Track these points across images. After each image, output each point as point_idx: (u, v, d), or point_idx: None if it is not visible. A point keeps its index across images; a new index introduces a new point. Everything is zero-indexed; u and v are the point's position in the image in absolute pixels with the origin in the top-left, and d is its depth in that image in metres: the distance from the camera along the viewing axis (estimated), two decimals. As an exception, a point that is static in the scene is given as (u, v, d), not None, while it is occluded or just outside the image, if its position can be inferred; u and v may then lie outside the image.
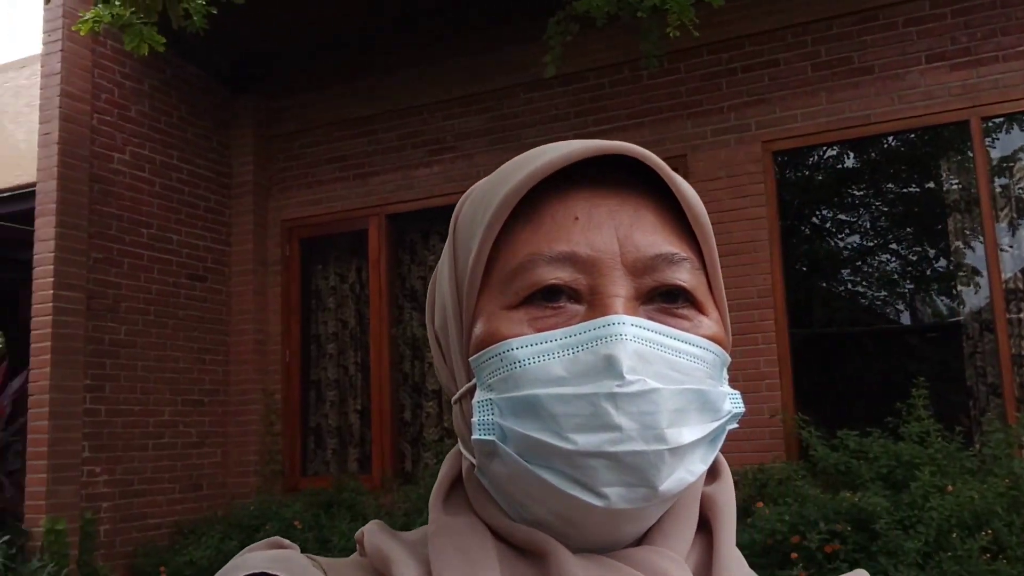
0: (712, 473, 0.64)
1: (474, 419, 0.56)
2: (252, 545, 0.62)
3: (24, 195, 6.35)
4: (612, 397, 0.52)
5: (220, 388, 6.73)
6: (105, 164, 6.11)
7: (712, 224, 0.61)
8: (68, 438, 5.58)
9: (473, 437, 0.56)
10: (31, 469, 5.52)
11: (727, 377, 0.61)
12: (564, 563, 0.55)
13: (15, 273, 5.85)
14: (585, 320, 0.55)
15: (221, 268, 6.86)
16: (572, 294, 0.57)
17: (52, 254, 5.65)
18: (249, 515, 5.91)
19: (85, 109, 5.99)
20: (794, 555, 4.33)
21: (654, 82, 5.84)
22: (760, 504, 4.69)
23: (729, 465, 0.65)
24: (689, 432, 0.55)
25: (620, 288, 0.56)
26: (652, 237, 0.58)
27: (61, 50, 5.89)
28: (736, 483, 1.22)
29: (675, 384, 0.55)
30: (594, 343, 0.54)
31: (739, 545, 0.63)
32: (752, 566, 0.63)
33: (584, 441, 0.52)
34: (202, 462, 6.54)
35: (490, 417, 0.56)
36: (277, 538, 0.63)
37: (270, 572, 0.56)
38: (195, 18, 4.78)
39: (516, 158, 0.63)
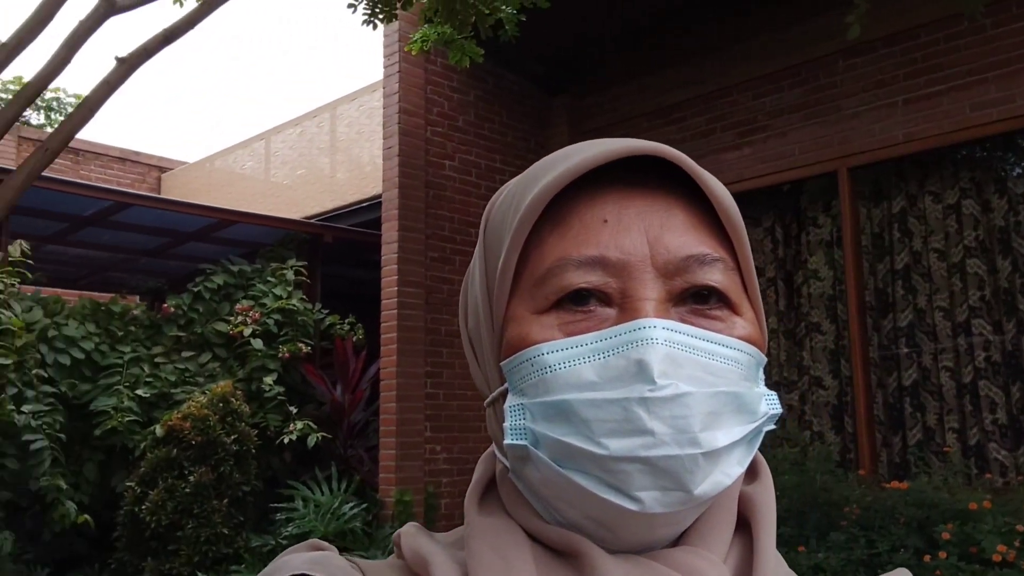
0: (751, 472, 0.63)
1: (506, 424, 0.56)
2: (292, 547, 0.63)
3: (374, 205, 7.21)
4: (644, 402, 0.51)
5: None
6: (438, 171, 6.72)
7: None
8: (412, 419, 6.25)
9: (505, 442, 0.56)
10: (383, 446, 6.26)
11: (763, 378, 0.59)
12: (599, 563, 0.54)
13: (374, 273, 6.67)
14: (616, 324, 0.55)
15: (541, 262, 7.21)
16: (602, 298, 0.56)
17: (396, 255, 6.36)
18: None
19: (420, 123, 6.64)
20: None
21: (999, 31, 5.07)
22: None
23: None
24: (724, 435, 0.53)
25: (651, 291, 0.55)
26: (683, 238, 0.57)
27: (398, 71, 6.60)
28: None
29: (708, 387, 0.53)
30: (625, 347, 0.53)
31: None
32: None
33: (617, 446, 0.52)
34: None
35: (522, 422, 0.55)
36: (316, 540, 0.63)
37: (310, 573, 0.56)
38: (507, 27, 5.08)
39: (545, 159, 0.62)
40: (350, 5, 5.17)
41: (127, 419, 6.19)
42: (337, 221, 8.92)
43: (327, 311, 7.66)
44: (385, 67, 6.74)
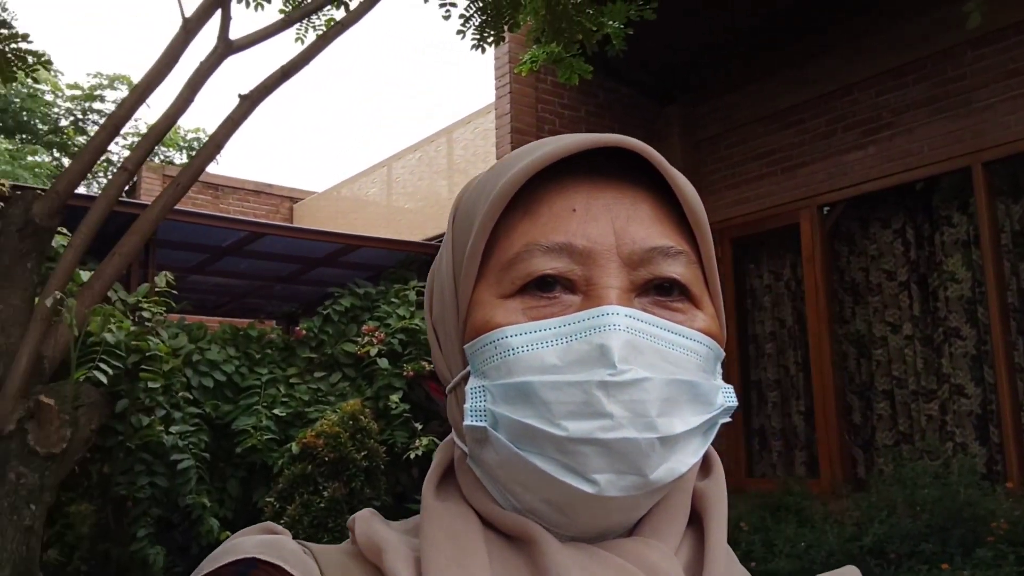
0: (704, 468, 0.63)
1: (466, 404, 0.57)
2: (244, 529, 0.62)
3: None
4: (604, 385, 0.52)
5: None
6: (550, 188, 6.77)
7: None
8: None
9: (465, 423, 0.57)
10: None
11: (720, 371, 0.60)
12: (551, 551, 0.55)
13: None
14: (579, 311, 0.55)
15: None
16: (567, 284, 0.57)
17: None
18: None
19: (531, 141, 6.72)
20: None
21: None
22: None
23: None
24: (680, 422, 0.54)
25: (615, 279, 0.56)
26: (648, 230, 0.58)
27: (509, 92, 6.71)
28: None
29: (667, 374, 0.54)
30: (587, 332, 0.54)
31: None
32: None
33: (575, 428, 0.52)
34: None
35: (482, 403, 0.56)
36: (270, 523, 0.63)
37: (261, 557, 0.56)
38: (614, 42, 5.09)
39: (516, 150, 0.63)
40: (459, 31, 5.32)
41: (265, 437, 6.51)
42: (456, 242, 9.08)
43: (449, 330, 7.79)
44: (496, 88, 6.87)
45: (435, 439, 6.86)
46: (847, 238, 6.25)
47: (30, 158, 16.35)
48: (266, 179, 13.40)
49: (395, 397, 7.03)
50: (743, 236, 6.81)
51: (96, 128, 18.22)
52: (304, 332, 7.45)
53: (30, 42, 3.91)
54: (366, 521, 0.62)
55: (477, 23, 5.00)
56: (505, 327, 0.56)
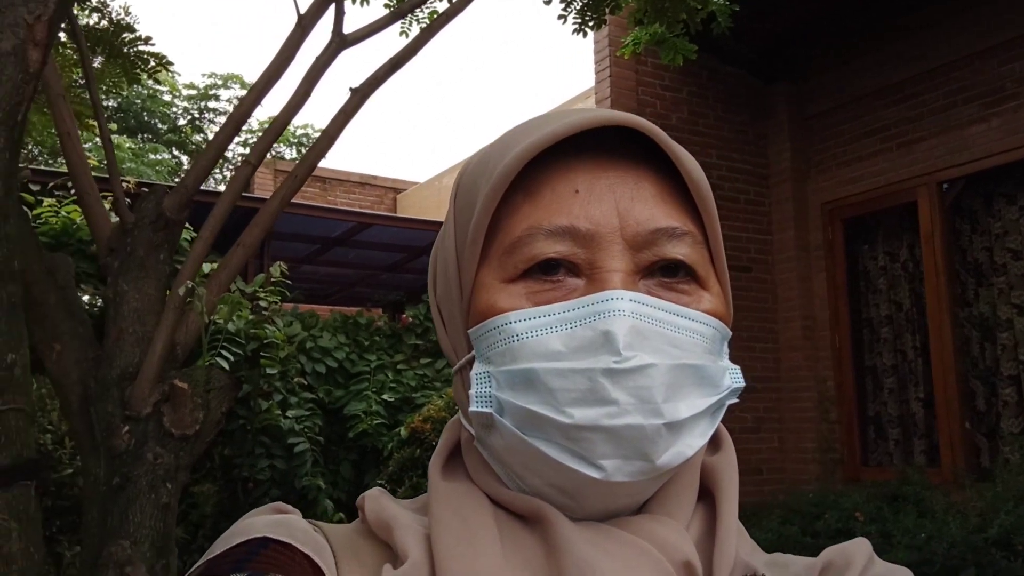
0: (714, 443, 0.62)
1: (471, 391, 0.56)
2: (255, 509, 0.63)
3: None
4: (609, 373, 0.52)
5: (772, 375, 6.83)
6: (652, 171, 6.69)
7: None
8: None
9: (471, 409, 0.56)
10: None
11: (727, 351, 0.60)
12: (562, 529, 0.55)
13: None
14: (584, 295, 0.55)
15: (764, 257, 6.97)
16: (571, 268, 0.56)
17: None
18: (808, 503, 5.88)
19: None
20: None
21: None
22: None
23: None
24: (686, 407, 0.54)
25: (619, 263, 0.55)
26: (652, 211, 0.57)
27: (609, 76, 6.65)
28: None
29: (672, 359, 0.54)
30: (592, 318, 0.53)
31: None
32: None
33: (581, 415, 0.52)
34: (760, 447, 6.71)
35: (487, 389, 0.56)
36: (279, 503, 0.64)
37: (272, 536, 0.56)
38: (719, 19, 4.98)
39: (517, 126, 0.61)
40: (560, 16, 5.31)
41: (375, 422, 6.71)
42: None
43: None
44: (596, 72, 6.83)
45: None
46: (968, 216, 5.94)
47: (151, 156, 17.26)
48: (370, 171, 13.72)
49: (500, 382, 7.12)
50: (856, 216, 6.56)
51: (211, 126, 19.10)
52: (410, 319, 7.62)
53: (152, 45, 4.12)
54: (375, 500, 0.62)
55: (579, 6, 4.97)
56: (508, 313, 0.56)
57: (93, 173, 2.74)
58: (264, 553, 0.55)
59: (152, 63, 4.09)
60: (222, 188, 10.10)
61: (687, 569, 0.55)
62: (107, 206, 2.71)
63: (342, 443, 6.93)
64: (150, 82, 4.68)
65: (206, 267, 4.10)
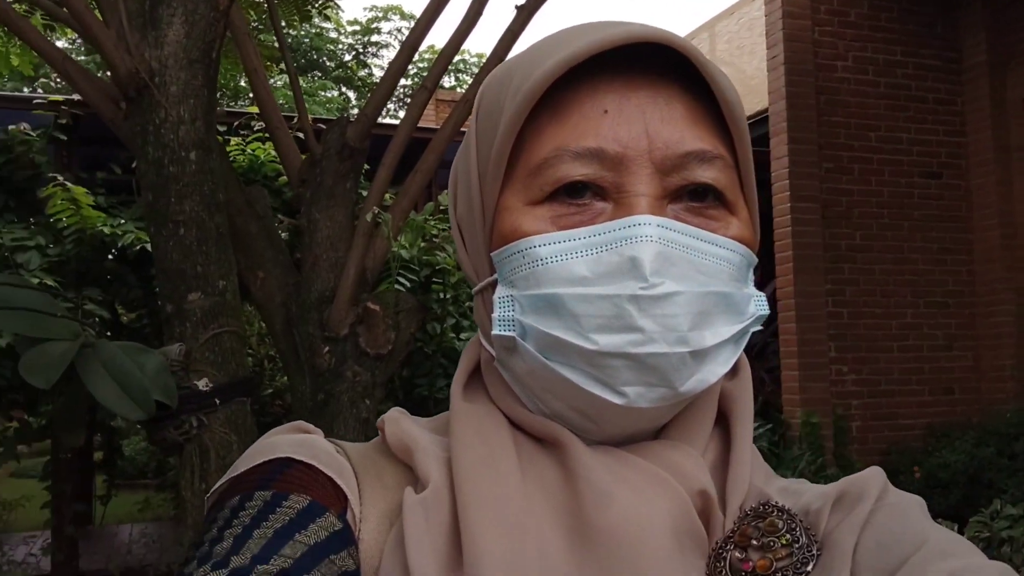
0: (732, 369, 0.59)
1: (494, 314, 0.56)
2: (276, 429, 0.62)
3: (761, 120, 6.96)
4: (635, 299, 0.51)
5: (965, 289, 6.36)
6: (829, 75, 6.27)
7: None
8: (815, 339, 6.02)
9: (493, 332, 0.56)
10: (785, 367, 6.13)
11: (752, 278, 0.59)
12: (578, 453, 0.55)
13: (765, 191, 6.50)
14: (610, 219, 0.53)
15: (956, 162, 6.42)
16: (598, 191, 0.54)
17: (787, 170, 6.10)
18: (1005, 422, 5.51)
19: (806, 25, 6.23)
20: None
21: None
22: None
23: None
24: (712, 335, 0.53)
25: (647, 187, 0.53)
26: (683, 133, 0.54)
27: (781, -26, 6.22)
28: None
29: (699, 287, 0.53)
30: (618, 244, 0.52)
31: None
32: None
33: (606, 342, 0.51)
34: (951, 365, 6.31)
35: (510, 313, 0.55)
36: (301, 423, 0.63)
37: (295, 457, 0.57)
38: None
39: (543, 40, 0.58)
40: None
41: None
42: (723, 142, 8.80)
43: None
44: (765, -28, 6.41)
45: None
46: None
47: (321, 94, 17.96)
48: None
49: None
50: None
51: (375, 59, 19.59)
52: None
53: (321, -18, 4.22)
54: (395, 421, 0.62)
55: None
56: (533, 236, 0.54)
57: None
58: (287, 473, 0.55)
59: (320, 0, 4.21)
60: (389, 120, 10.38)
61: (702, 497, 0.55)
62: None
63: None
64: (317, 19, 4.83)
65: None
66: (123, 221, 5.57)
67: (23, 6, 3.78)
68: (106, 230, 5.50)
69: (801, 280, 6.03)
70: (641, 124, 0.54)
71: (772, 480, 0.61)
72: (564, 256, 0.53)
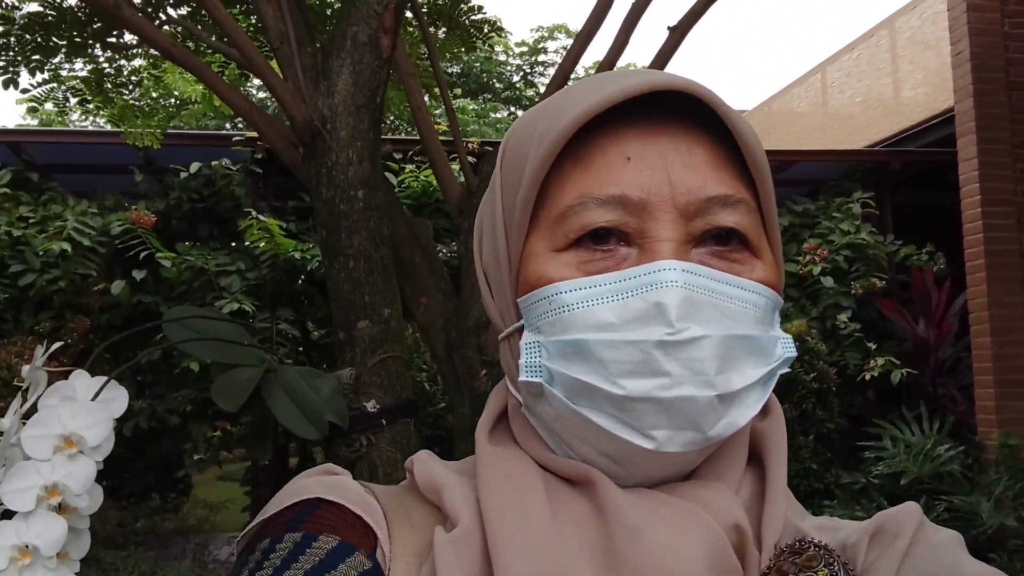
0: (763, 409, 0.60)
1: (522, 360, 0.56)
2: (305, 471, 0.63)
3: (946, 120, 6.52)
4: (662, 344, 0.51)
5: None
6: (1022, 70, 5.78)
7: None
8: (1012, 353, 5.55)
9: (520, 378, 0.56)
10: (978, 384, 5.69)
11: (779, 320, 0.59)
12: (611, 493, 0.55)
13: (952, 195, 6.06)
14: (635, 264, 0.54)
15: None
16: (622, 237, 0.55)
17: (976, 172, 5.68)
18: None
19: (994, 18, 5.79)
20: None
21: None
22: None
23: None
24: (739, 378, 0.53)
25: (671, 232, 0.54)
26: (705, 177, 0.55)
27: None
28: None
29: (725, 330, 0.53)
30: (644, 289, 0.53)
31: None
32: None
33: (633, 387, 0.52)
34: None
35: (537, 359, 0.56)
36: (329, 465, 0.63)
37: (325, 497, 0.58)
38: None
39: (566, 88, 0.60)
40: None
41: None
42: (904, 144, 8.30)
43: (900, 242, 7.23)
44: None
45: (892, 360, 6.44)
46: None
47: (492, 115, 18.51)
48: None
49: (843, 317, 6.74)
50: None
51: (541, 79, 19.96)
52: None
53: (484, 12, 4.41)
54: (424, 463, 0.62)
55: None
56: (559, 283, 0.55)
57: (441, 138, 3.02)
58: (316, 513, 0.57)
59: (486, 29, 4.38)
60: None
61: (737, 532, 0.55)
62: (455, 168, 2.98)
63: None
64: (483, 46, 5.03)
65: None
66: (311, 246, 6.03)
67: (215, 59, 4.19)
68: (297, 255, 5.97)
69: (995, 290, 5.58)
70: (663, 170, 0.55)
71: (806, 518, 0.62)
72: (590, 302, 0.54)
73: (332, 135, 2.28)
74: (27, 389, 1.09)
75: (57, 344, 1.18)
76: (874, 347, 6.62)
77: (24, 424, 1.01)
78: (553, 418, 0.57)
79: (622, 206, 0.55)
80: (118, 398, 1.08)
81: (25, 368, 1.08)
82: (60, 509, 0.97)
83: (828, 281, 6.84)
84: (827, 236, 7.08)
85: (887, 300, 6.87)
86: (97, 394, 1.06)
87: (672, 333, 0.51)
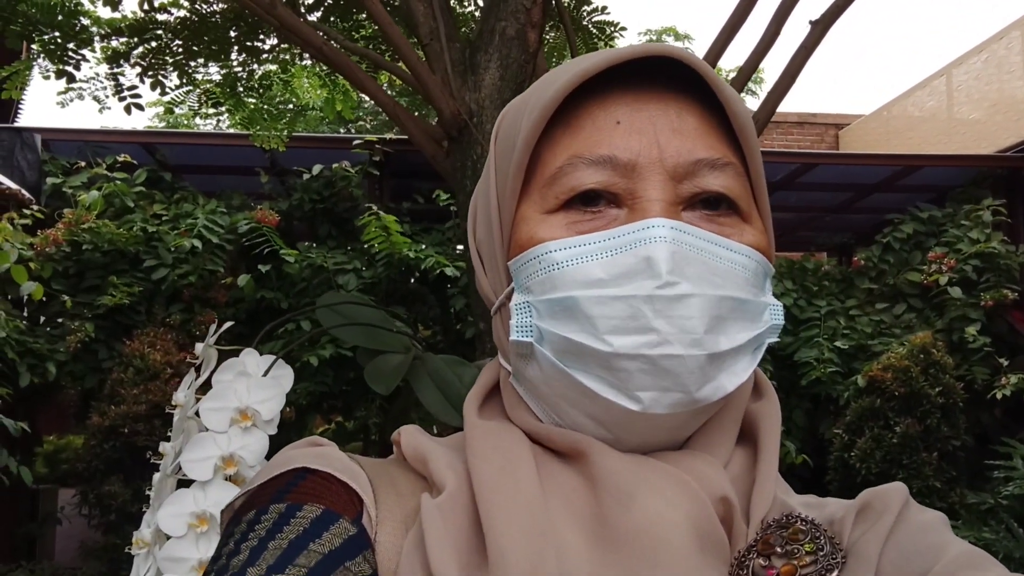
0: (756, 392, 0.62)
1: (512, 320, 0.57)
2: (292, 444, 0.62)
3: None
4: (650, 300, 0.52)
5: None
6: None
7: None
8: None
9: (511, 338, 0.57)
10: None
11: (770, 287, 0.58)
12: (600, 458, 0.55)
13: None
14: (625, 224, 0.54)
15: None
16: (611, 198, 0.56)
17: None
18: None
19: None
20: None
21: None
22: None
23: None
24: (727, 339, 0.53)
25: (660, 192, 0.54)
26: (694, 142, 0.56)
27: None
28: None
29: (714, 289, 0.53)
30: (633, 245, 0.53)
31: None
32: None
33: (621, 343, 0.52)
34: None
35: (528, 319, 0.56)
36: (315, 437, 0.62)
37: (311, 467, 0.57)
38: None
39: (557, 67, 0.61)
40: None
41: (829, 370, 6.48)
42: (1040, 150, 7.87)
43: (1035, 252, 6.85)
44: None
45: (1024, 376, 6.10)
46: None
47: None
48: (807, 108, 13.10)
49: (972, 329, 6.42)
50: None
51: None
52: (862, 262, 7.18)
53: (607, 13, 4.41)
54: (411, 434, 0.63)
55: None
56: (549, 242, 0.55)
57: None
58: (302, 484, 0.57)
59: (608, 30, 4.39)
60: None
61: (724, 504, 0.55)
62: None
63: (794, 390, 6.82)
64: (606, 48, 5.03)
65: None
66: (424, 247, 6.13)
67: (365, 64, 4.34)
68: (411, 255, 6.09)
69: None
70: (652, 134, 0.56)
71: (792, 496, 0.61)
72: (579, 260, 0.54)
73: (478, 128, 2.32)
74: (199, 365, 1.14)
75: (228, 324, 1.23)
76: (1006, 362, 6.28)
77: (199, 398, 1.06)
78: (541, 381, 0.58)
79: (611, 167, 0.55)
80: (286, 375, 1.12)
81: (199, 346, 1.13)
82: (232, 480, 1.00)
83: (956, 291, 6.54)
84: (954, 244, 6.77)
85: (1020, 313, 6.51)
86: (267, 371, 1.10)
87: (662, 287, 0.52)
